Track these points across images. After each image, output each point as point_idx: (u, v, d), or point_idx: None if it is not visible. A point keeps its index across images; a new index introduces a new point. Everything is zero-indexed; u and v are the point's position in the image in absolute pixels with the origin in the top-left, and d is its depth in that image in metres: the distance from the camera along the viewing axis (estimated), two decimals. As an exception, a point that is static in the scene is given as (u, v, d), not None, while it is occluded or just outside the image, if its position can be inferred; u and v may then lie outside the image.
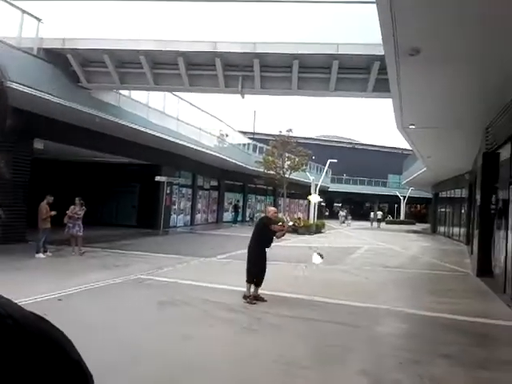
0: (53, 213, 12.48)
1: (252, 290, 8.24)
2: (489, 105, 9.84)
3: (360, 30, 10.65)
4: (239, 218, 31.83)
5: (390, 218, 53.69)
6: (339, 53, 11.18)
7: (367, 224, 43.51)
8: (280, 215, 34.90)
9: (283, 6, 11.71)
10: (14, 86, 11.43)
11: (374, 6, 6.76)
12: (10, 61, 11.42)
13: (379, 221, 44.14)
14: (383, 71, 10.24)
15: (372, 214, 46.97)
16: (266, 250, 8.40)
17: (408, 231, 36.87)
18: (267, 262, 8.41)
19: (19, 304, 0.59)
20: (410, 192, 51.28)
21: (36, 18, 12.54)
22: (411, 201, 56.42)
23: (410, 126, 13.06)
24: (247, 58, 11.91)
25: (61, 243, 13.62)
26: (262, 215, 9.41)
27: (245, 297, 8.20)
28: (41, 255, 12.17)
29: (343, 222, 42.79)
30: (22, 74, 11.71)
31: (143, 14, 12.20)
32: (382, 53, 8.78)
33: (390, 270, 13.41)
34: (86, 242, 14.67)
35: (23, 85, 11.67)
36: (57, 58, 12.88)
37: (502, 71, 7.77)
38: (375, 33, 7.73)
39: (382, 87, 11.59)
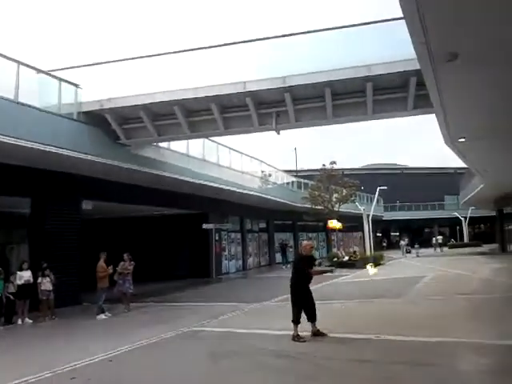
0: (110, 270, 12.52)
1: (299, 328, 8.06)
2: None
3: (391, 47, 10.25)
4: (290, 259, 30.82)
5: (452, 241, 50.63)
6: (372, 74, 10.75)
7: (429, 251, 41.16)
8: (334, 250, 33.92)
9: (308, 37, 11.57)
10: (61, 151, 11.96)
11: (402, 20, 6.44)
12: (52, 127, 11.95)
13: (440, 245, 42.78)
14: (422, 86, 9.71)
15: (434, 239, 44.67)
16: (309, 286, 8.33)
17: (475, 253, 34.36)
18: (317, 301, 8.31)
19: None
20: (470, 212, 48.31)
21: (73, 84, 13.22)
22: (474, 221, 53.06)
23: (460, 140, 12.25)
24: (278, 93, 11.76)
25: (112, 301, 13.59)
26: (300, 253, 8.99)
27: (293, 338, 7.95)
28: (102, 316, 12.08)
29: (408, 252, 38.77)
30: (64, 138, 12.25)
31: (171, 64, 12.50)
32: (418, 67, 8.33)
33: (462, 297, 12.19)
34: (139, 298, 14.66)
35: (67, 149, 12.17)
36: (96, 119, 13.37)
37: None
38: (408, 46, 7.33)
39: (423, 103, 11.01)
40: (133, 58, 13.17)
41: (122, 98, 12.87)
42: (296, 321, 8.05)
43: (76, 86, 13.28)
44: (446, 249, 43.90)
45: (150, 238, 23.77)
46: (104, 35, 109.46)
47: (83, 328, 10.98)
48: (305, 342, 7.79)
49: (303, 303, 8.13)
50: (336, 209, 29.68)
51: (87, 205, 15.73)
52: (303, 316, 8.16)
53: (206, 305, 13.59)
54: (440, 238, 45.47)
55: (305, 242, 9.23)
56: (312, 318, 8.10)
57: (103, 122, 13.46)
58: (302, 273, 8.24)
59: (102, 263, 12.51)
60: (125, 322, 11.71)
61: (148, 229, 24.02)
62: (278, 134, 13.10)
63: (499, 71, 7.30)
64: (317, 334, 8.06)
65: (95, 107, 13.13)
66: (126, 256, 13.42)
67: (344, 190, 30.41)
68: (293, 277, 8.38)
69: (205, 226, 22.40)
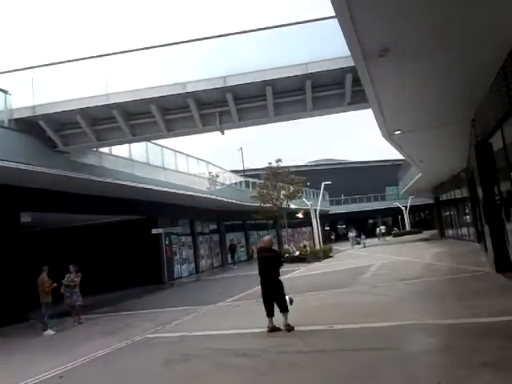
0: (55, 284, 12.10)
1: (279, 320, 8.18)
2: (470, 95, 9.60)
3: (328, 45, 10.51)
4: (243, 258, 30.97)
5: (396, 230, 53.00)
6: (309, 72, 11.01)
7: (374, 241, 42.83)
8: (285, 246, 34.42)
9: (249, 36, 11.60)
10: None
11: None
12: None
13: (383, 235, 44.54)
14: (358, 82, 10.07)
15: (378, 229, 46.60)
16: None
17: (417, 240, 36.19)
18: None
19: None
20: (410, 201, 50.85)
21: (2, 90, 12.47)
22: (414, 209, 55.91)
23: (396, 133, 12.80)
24: (219, 93, 11.75)
25: (61, 315, 13.03)
26: (259, 247, 9.17)
27: (270, 330, 8.17)
28: (50, 332, 11.62)
29: (357, 243, 38.70)
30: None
31: (108, 66, 12.09)
32: (353, 63, 8.62)
33: (408, 282, 12.77)
34: (89, 309, 14.17)
35: (-1, 159, 11.44)
36: (30, 127, 12.67)
37: (478, 58, 7.53)
38: (343, 43, 7.55)
39: (360, 98, 11.38)
40: (67, 61, 12.57)
41: (56, 103, 12.28)
42: (270, 314, 8.25)
43: (5, 92, 12.54)
44: (390, 238, 45.93)
45: (99, 247, 22.95)
46: (35, 39, 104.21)
47: (30, 346, 10.45)
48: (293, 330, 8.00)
49: (274, 296, 8.30)
50: (284, 205, 30.11)
51: (25, 217, 14.97)
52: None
53: (159, 311, 13.36)
54: (383, 227, 47.58)
55: (265, 238, 9.36)
56: (285, 308, 8.27)
57: (38, 129, 12.78)
58: (266, 265, 8.43)
59: (44, 277, 12.04)
60: (75, 335, 11.28)
61: (96, 238, 23.17)
62: (223, 133, 13.10)
63: (423, 67, 7.74)
64: (274, 329, 8.20)
65: (27, 114, 12.44)
66: (72, 268, 13.00)
67: (291, 187, 30.92)
68: (263, 272, 8.48)
69: (154, 231, 21.95)
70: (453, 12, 5.98)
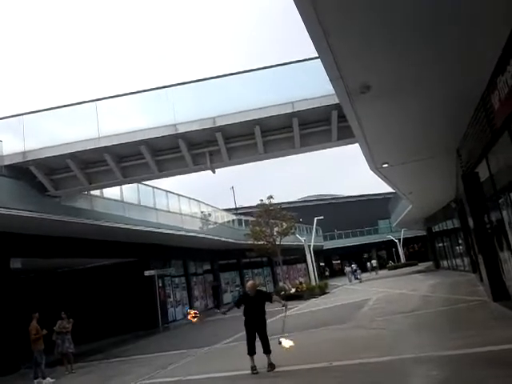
0: (44, 331, 11.80)
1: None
2: (454, 126, 9.86)
3: (314, 83, 10.84)
4: (229, 300, 30.10)
5: (391, 263, 52.70)
6: (296, 110, 11.31)
7: (368, 275, 42.53)
8: (281, 284, 34.00)
9: (237, 78, 11.93)
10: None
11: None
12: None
13: (374, 268, 44.52)
14: (344, 118, 10.35)
15: (369, 263, 46.52)
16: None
17: (412, 272, 35.96)
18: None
19: None
20: (403, 233, 50.91)
21: (-7, 138, 12.58)
22: (408, 242, 55.91)
23: (384, 166, 13.00)
24: (209, 133, 11.97)
25: (52, 364, 12.60)
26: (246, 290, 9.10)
27: (253, 369, 8.09)
28: (49, 380, 11.26)
29: (356, 278, 36.21)
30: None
31: (98, 110, 12.30)
32: (337, 100, 8.91)
33: (405, 315, 12.63)
34: (82, 357, 13.76)
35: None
36: (21, 172, 12.71)
37: (458, 91, 7.80)
38: (327, 82, 7.81)
39: (346, 134, 11.64)
40: (57, 107, 12.80)
41: (46, 148, 12.41)
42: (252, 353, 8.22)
43: (-4, 139, 12.66)
44: (384, 271, 45.66)
45: (91, 291, 22.55)
46: (25, 84, 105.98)
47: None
48: (257, 373, 7.86)
49: (258, 334, 8.31)
50: (278, 242, 29.98)
51: (15, 263, 14.72)
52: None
53: (154, 356, 13.01)
54: (374, 261, 47.45)
55: (249, 283, 9.16)
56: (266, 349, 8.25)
57: (29, 175, 12.83)
58: (251, 308, 8.42)
59: (34, 324, 11.74)
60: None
61: (88, 282, 22.80)
62: (214, 172, 13.24)
63: (406, 101, 8.00)
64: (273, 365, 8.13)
65: (18, 159, 12.50)
66: (63, 314, 12.75)
67: (284, 223, 30.90)
68: (250, 313, 8.51)
69: (147, 273, 21.61)
70: (431, 52, 6.27)
